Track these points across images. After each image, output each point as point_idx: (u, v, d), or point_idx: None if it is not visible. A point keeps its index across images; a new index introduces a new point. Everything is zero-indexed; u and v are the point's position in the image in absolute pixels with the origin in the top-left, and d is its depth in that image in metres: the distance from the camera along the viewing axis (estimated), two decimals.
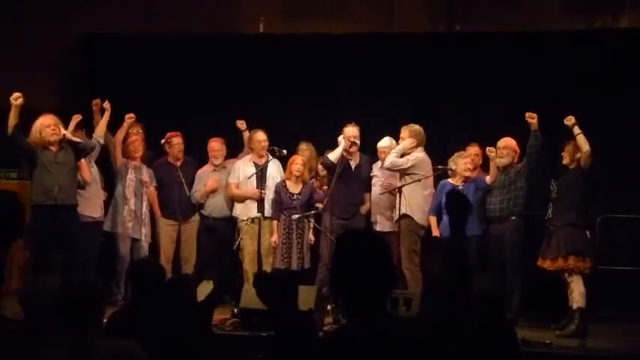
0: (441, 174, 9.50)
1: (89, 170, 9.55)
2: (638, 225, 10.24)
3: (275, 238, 9.69)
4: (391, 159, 9.29)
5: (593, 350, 7.88)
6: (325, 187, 9.88)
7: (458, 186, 9.25)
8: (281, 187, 9.76)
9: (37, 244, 8.96)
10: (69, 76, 11.76)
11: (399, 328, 3.08)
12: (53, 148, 8.92)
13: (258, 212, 9.68)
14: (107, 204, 9.98)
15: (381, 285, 3.09)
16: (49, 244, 8.85)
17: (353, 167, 9.76)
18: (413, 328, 3.12)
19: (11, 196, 11.01)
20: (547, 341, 7.92)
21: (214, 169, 10.24)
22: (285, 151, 9.75)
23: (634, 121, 10.29)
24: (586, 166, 8.79)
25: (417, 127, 9.46)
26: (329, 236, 9.24)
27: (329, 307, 8.68)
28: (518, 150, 9.19)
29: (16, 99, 8.78)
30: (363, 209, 9.86)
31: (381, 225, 9.73)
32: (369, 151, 9.96)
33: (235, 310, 8.62)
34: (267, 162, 9.78)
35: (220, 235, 10.01)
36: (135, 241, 9.97)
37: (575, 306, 8.56)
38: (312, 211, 9.68)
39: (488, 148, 9.29)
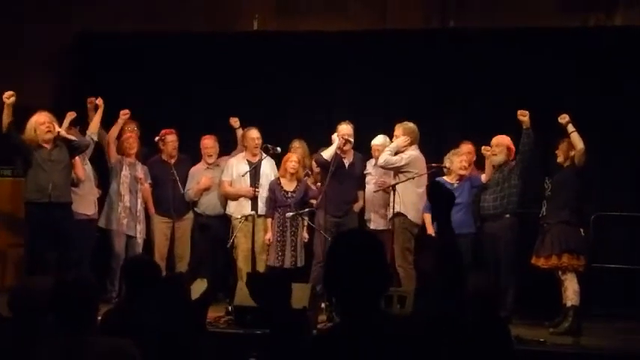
0: (436, 172, 9.50)
1: (83, 168, 9.54)
2: (632, 223, 10.24)
3: (269, 235, 9.68)
4: (385, 157, 9.28)
5: (587, 348, 7.87)
6: (319, 184, 9.87)
7: (453, 184, 9.26)
8: (275, 185, 9.75)
9: (32, 242, 8.96)
10: (65, 73, 11.74)
11: (392, 326, 3.07)
12: (47, 146, 8.91)
13: (251, 210, 9.68)
14: (101, 201, 9.98)
15: (374, 284, 3.08)
16: (44, 241, 8.85)
17: (346, 165, 9.76)
18: (407, 326, 3.12)
19: None
20: (541, 339, 7.93)
21: (208, 167, 10.23)
22: (278, 149, 9.74)
23: (628, 119, 10.29)
24: (580, 164, 8.78)
25: (410, 124, 9.46)
26: (323, 234, 9.25)
27: (323, 305, 8.69)
28: (512, 147, 9.18)
29: (9, 97, 8.77)
30: (356, 207, 9.87)
31: (375, 223, 9.74)
32: (363, 149, 9.95)
33: (229, 307, 8.63)
34: (260, 160, 9.77)
35: (214, 232, 9.98)
36: (130, 239, 9.97)
37: (569, 304, 8.57)
38: (306, 209, 9.67)
39: (483, 147, 9.29)
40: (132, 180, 9.99)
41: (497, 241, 9.03)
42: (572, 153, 8.81)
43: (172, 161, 10.17)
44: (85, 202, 9.60)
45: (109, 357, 3.81)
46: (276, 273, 9.32)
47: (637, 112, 10.22)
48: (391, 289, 8.12)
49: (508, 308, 8.67)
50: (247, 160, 9.93)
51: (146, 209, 10.18)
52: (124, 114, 9.93)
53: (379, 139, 9.73)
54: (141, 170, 10.10)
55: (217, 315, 8.53)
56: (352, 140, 9.70)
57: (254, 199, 9.72)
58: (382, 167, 9.44)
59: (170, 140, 10.17)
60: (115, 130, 10.01)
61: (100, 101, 9.73)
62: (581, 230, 8.84)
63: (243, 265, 9.66)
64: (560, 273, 8.66)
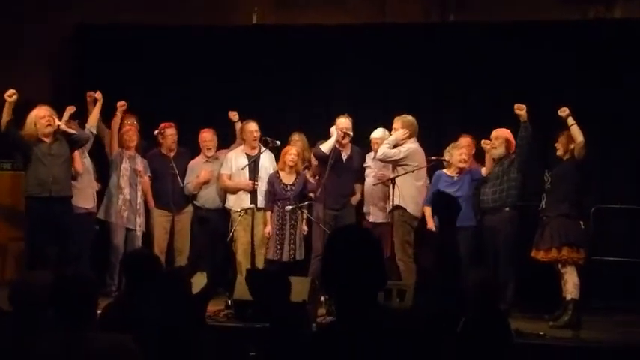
0: (435, 165, 9.49)
1: (82, 161, 9.53)
2: (631, 216, 10.25)
3: (269, 229, 9.68)
4: (384, 150, 9.26)
5: (586, 341, 7.87)
6: (317, 178, 9.86)
7: (453, 177, 9.27)
8: (274, 178, 9.74)
9: (32, 236, 8.96)
10: (64, 66, 11.72)
11: (392, 320, 3.07)
12: (47, 140, 8.90)
13: (251, 203, 9.68)
14: (100, 195, 9.97)
15: (371, 280, 3.08)
16: (44, 236, 8.86)
17: (344, 159, 9.75)
18: (407, 320, 3.12)
19: None
20: (541, 332, 7.93)
21: (207, 161, 10.22)
22: (278, 142, 9.75)
23: (628, 112, 10.29)
24: (580, 157, 8.77)
25: (409, 117, 9.44)
26: (322, 227, 9.25)
27: (322, 298, 8.68)
28: (512, 140, 9.16)
29: (11, 96, 8.77)
30: (354, 200, 9.85)
31: (374, 216, 9.73)
32: (362, 142, 9.94)
33: (229, 301, 8.61)
34: (259, 153, 9.77)
35: (213, 226, 9.97)
36: (129, 232, 9.96)
37: (568, 297, 8.57)
38: (306, 202, 9.67)
39: (483, 141, 9.28)
40: (132, 173, 9.99)
41: (496, 234, 9.03)
42: (571, 146, 8.80)
43: (172, 155, 10.16)
44: (84, 196, 9.59)
45: (109, 352, 3.80)
46: (274, 269, 9.31)
47: (637, 105, 10.21)
48: (391, 283, 8.12)
49: (508, 301, 8.66)
50: (246, 154, 9.92)
51: (146, 202, 10.18)
52: (121, 105, 9.96)
53: (378, 133, 9.71)
54: (140, 163, 10.09)
55: (217, 308, 8.51)
56: (351, 134, 9.69)
57: (253, 193, 9.72)
58: (381, 160, 9.41)
59: (169, 134, 10.16)
60: (116, 124, 10.03)
61: (99, 95, 9.72)
62: (581, 223, 8.83)
63: (242, 259, 9.66)
64: (559, 266, 8.66)
